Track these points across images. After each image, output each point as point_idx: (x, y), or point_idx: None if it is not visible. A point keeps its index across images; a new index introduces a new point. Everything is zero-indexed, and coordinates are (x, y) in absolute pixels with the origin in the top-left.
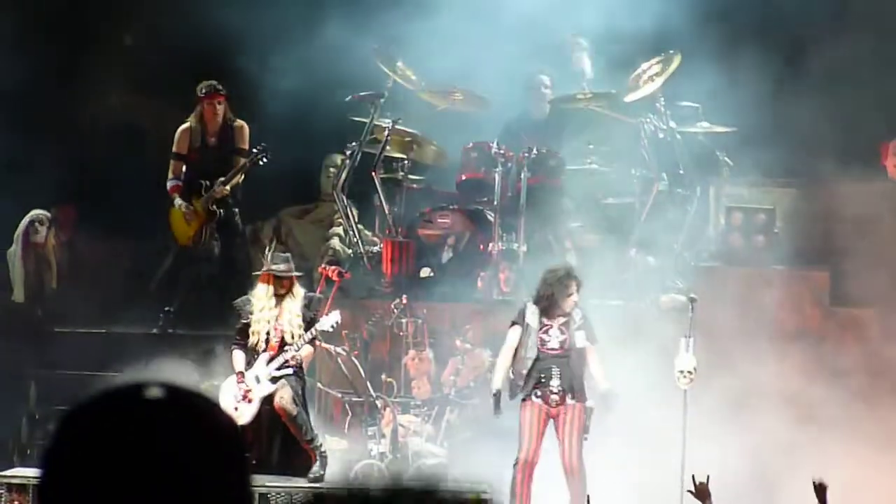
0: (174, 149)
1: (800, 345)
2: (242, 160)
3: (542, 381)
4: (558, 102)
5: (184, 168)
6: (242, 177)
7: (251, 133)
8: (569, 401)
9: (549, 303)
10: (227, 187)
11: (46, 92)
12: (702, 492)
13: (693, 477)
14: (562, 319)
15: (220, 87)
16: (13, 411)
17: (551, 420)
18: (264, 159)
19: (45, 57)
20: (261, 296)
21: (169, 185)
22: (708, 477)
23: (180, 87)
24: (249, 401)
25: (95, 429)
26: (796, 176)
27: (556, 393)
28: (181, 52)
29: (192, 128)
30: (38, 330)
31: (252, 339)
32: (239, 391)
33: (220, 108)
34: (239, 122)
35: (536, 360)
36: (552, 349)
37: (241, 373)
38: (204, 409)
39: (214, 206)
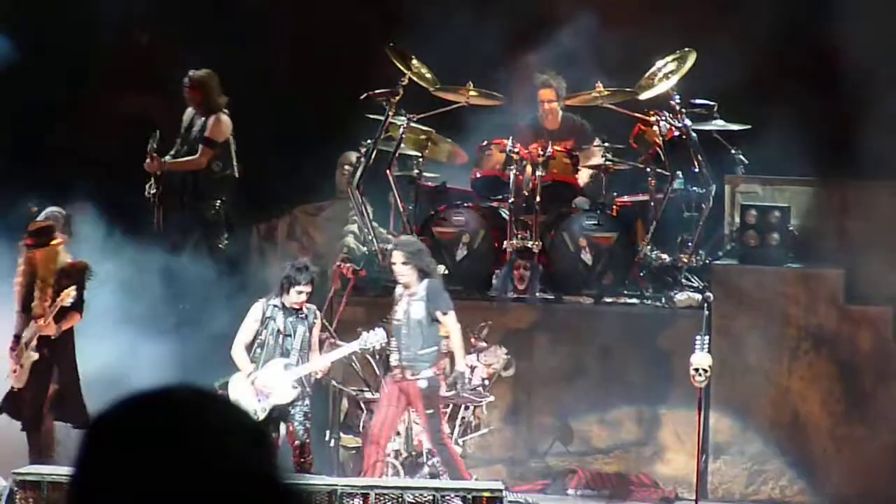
0: None
1: (814, 343)
2: (202, 148)
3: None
4: (571, 101)
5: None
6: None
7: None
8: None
9: None
10: (160, 161)
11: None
12: None
13: None
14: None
15: (187, 80)
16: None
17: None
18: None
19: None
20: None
21: None
22: None
23: None
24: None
25: (126, 435)
26: (812, 174)
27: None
28: (196, 49)
29: (186, 113)
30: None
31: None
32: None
33: (189, 98)
34: (220, 115)
35: None
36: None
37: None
38: (228, 410)
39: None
